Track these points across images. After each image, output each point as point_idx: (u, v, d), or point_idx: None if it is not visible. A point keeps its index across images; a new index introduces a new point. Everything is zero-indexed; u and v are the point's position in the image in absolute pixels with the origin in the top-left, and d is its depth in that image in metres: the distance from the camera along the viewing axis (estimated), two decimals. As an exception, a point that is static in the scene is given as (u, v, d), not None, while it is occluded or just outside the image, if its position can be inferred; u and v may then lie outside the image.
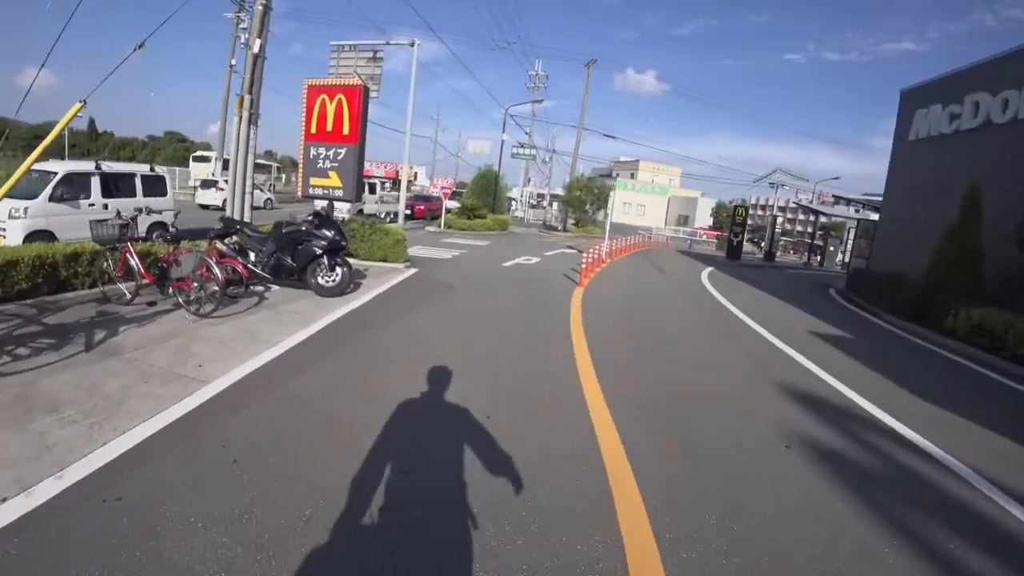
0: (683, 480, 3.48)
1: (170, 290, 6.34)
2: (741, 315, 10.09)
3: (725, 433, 4.42)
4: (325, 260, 7.77)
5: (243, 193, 9.98)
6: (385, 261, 11.26)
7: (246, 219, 10.15)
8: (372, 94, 20.73)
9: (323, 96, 11.66)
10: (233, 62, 30.26)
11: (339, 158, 11.53)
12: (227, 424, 3.62)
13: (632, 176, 70.85)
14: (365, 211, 18.60)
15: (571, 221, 34.59)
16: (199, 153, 36.69)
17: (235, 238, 8.10)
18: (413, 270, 11.08)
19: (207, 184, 24.46)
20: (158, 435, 3.37)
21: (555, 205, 68.11)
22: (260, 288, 8.02)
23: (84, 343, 4.96)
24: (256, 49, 10.05)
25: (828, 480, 3.70)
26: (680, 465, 3.71)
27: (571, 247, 20.78)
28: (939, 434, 4.83)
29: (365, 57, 22.69)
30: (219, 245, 7.82)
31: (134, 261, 6.39)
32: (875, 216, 19.74)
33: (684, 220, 57.85)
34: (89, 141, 76.85)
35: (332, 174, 11.60)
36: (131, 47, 4.89)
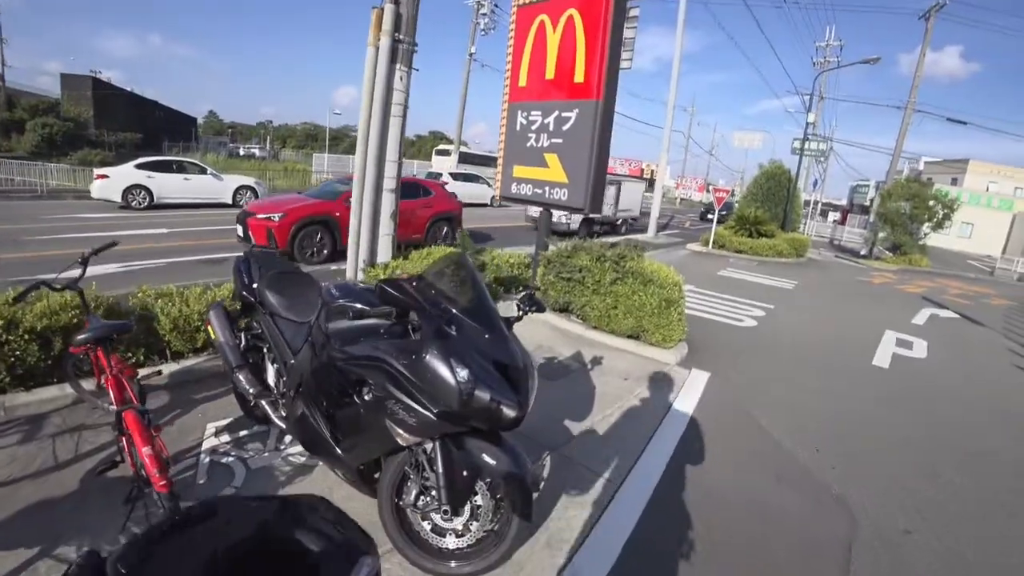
0: None
1: None
2: None
3: None
4: (439, 460, 2.01)
5: (374, 192, 5.06)
6: (637, 339, 5.29)
7: (383, 243, 5.22)
8: (625, 41, 14.38)
9: (541, 18, 6.38)
10: (473, 50, 27.87)
11: (565, 127, 6.06)
12: None
13: (954, 182, 51.50)
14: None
15: (881, 245, 23.99)
16: (441, 147, 35.91)
17: (254, 318, 3.05)
18: (696, 376, 4.89)
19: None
20: None
21: (830, 216, 54.12)
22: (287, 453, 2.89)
23: None
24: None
25: None
26: None
27: (927, 297, 12.16)
28: None
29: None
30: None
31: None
32: None
33: (1039, 249, 39.15)
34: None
35: (551, 159, 6.20)
36: None
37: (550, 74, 6.25)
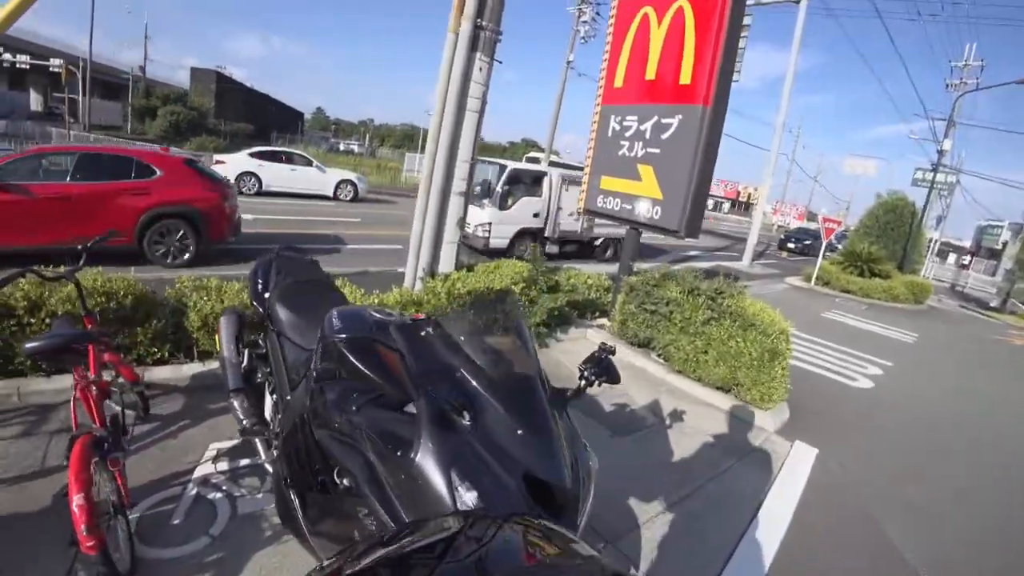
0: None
1: None
2: None
3: None
4: None
5: (441, 194, 4.55)
6: (728, 392, 4.39)
7: (446, 251, 4.72)
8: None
9: (645, 11, 5.67)
10: (571, 58, 27.28)
11: (664, 136, 5.29)
12: None
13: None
14: None
15: (1018, 298, 20.80)
16: (531, 154, 35.60)
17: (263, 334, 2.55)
18: (800, 452, 3.95)
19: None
20: None
21: (950, 258, 48.35)
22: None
23: None
24: None
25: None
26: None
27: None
28: None
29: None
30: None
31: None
32: None
33: None
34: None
35: (644, 171, 5.45)
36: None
37: (651, 74, 5.49)
